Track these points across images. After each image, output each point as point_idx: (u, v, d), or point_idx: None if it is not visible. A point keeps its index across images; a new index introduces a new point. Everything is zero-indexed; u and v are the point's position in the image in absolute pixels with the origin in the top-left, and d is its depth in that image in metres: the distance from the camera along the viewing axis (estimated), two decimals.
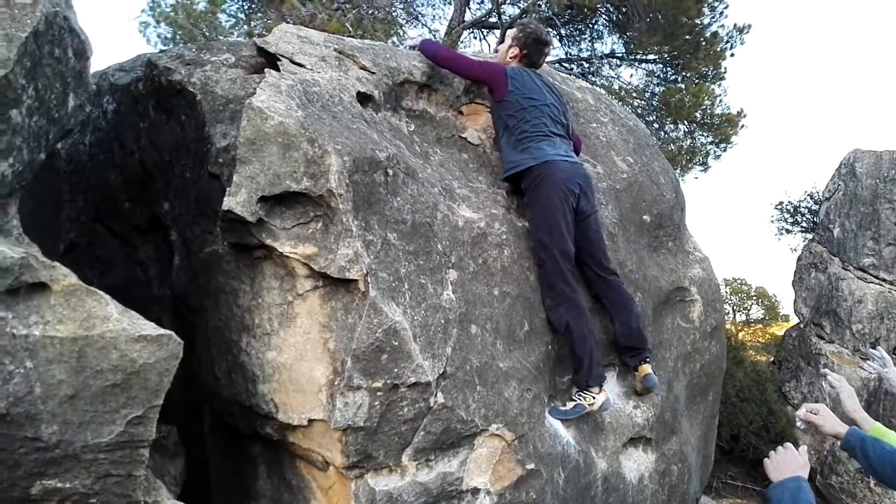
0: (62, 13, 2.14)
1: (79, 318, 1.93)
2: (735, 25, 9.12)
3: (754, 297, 15.32)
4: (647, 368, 3.49)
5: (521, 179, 3.34)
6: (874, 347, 3.26)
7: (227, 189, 2.42)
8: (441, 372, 2.64)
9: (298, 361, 2.52)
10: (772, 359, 10.26)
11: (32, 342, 1.85)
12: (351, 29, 5.71)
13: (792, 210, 11.55)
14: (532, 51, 3.60)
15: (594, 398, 3.19)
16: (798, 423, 2.39)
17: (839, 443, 2.27)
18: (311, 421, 2.51)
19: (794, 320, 9.72)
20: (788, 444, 2.09)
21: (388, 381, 2.48)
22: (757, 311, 15.54)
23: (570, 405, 3.21)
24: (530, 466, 2.93)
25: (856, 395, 2.50)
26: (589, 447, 3.38)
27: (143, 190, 3.52)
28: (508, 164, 3.37)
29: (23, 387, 1.84)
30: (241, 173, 2.39)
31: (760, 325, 15.53)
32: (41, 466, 1.93)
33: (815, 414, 2.32)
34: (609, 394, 3.32)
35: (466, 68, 3.44)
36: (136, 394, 2.02)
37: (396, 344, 2.49)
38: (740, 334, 13.87)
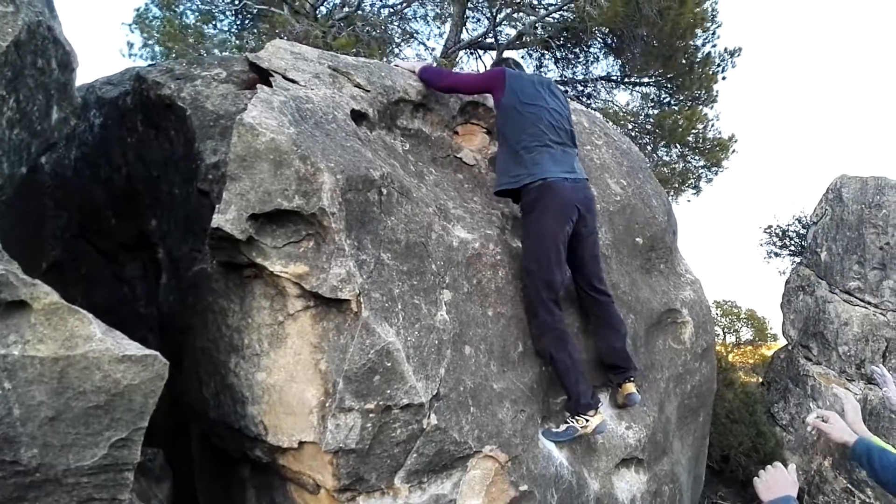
0: (46, 23, 2.10)
1: (60, 338, 1.87)
2: (726, 49, 9.28)
3: (744, 319, 15.42)
4: (630, 387, 3.46)
5: (519, 196, 3.22)
6: (876, 365, 3.28)
7: (217, 206, 2.37)
8: (434, 393, 2.59)
9: (289, 383, 2.46)
10: (761, 380, 10.29)
11: (11, 362, 1.79)
12: (347, 46, 5.72)
13: (780, 234, 11.68)
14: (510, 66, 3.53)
15: (587, 421, 3.12)
16: (808, 429, 2.41)
17: (847, 451, 2.29)
18: (301, 443, 2.44)
19: (783, 342, 9.76)
20: (778, 464, 2.11)
21: (381, 403, 2.43)
22: (747, 333, 15.63)
23: (562, 427, 3.16)
24: (524, 488, 2.88)
25: (859, 410, 2.53)
26: (582, 468, 3.33)
27: (129, 206, 3.46)
28: (504, 177, 3.21)
29: (1, 408, 1.77)
30: (231, 190, 2.35)
31: (750, 347, 15.62)
32: (21, 491, 1.86)
33: (825, 421, 2.33)
34: (604, 415, 3.26)
35: (470, 84, 3.43)
36: (121, 416, 1.96)
37: (389, 365, 2.44)
38: (730, 356, 13.93)
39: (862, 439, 2.24)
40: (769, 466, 2.09)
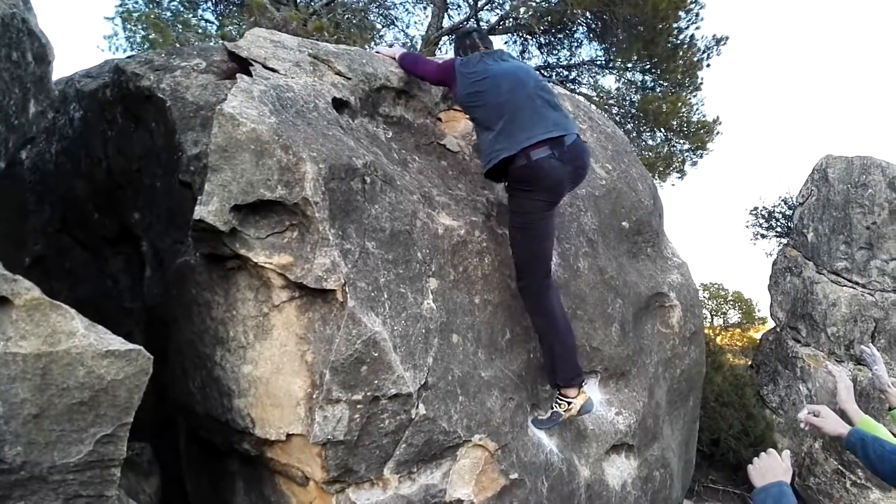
0: (20, 15, 2.06)
1: (43, 334, 1.85)
2: (713, 36, 9.26)
3: (731, 302, 15.52)
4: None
5: (505, 173, 3.04)
6: (866, 345, 3.30)
7: (199, 198, 2.34)
8: (422, 383, 2.58)
9: (275, 375, 2.45)
10: (749, 362, 10.36)
11: None
12: (327, 34, 5.66)
13: (766, 215, 11.71)
14: (460, 46, 3.40)
15: (570, 403, 3.08)
16: (801, 425, 2.43)
17: (841, 442, 2.31)
18: (289, 436, 2.43)
19: (771, 324, 9.82)
20: (771, 451, 2.12)
21: (369, 394, 2.42)
22: (734, 315, 15.73)
23: (548, 414, 3.16)
24: (514, 476, 2.89)
25: (852, 389, 2.56)
26: (572, 455, 3.34)
27: (111, 199, 3.42)
28: (485, 157, 3.05)
29: None
30: (213, 181, 2.32)
31: (738, 329, 15.73)
32: (6, 489, 1.84)
33: (817, 416, 2.36)
34: (590, 397, 3.24)
35: (430, 77, 3.33)
36: (105, 411, 1.94)
37: (376, 355, 2.43)
38: (718, 338, 14.02)
39: (856, 430, 2.27)
40: (763, 453, 2.11)
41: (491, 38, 3.57)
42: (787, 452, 2.11)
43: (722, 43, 9.29)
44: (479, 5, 9.42)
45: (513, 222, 3.06)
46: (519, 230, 3.03)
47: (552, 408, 3.15)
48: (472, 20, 9.45)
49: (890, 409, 2.76)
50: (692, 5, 8.71)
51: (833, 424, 2.34)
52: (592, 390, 3.60)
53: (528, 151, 2.88)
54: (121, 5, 9.15)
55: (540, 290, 3.04)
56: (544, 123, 2.94)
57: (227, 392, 2.54)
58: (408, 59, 3.43)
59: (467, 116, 3.54)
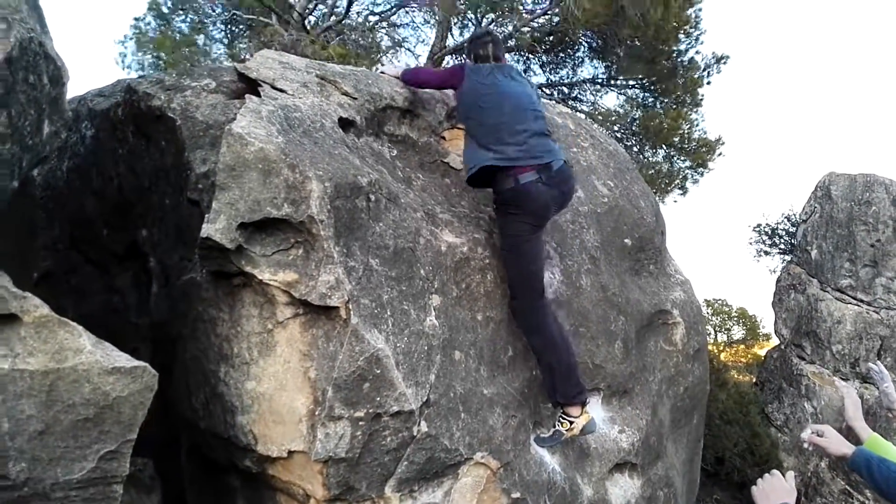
0: (37, 39, 2.12)
1: (50, 351, 1.88)
2: (714, 55, 9.35)
3: (735, 318, 15.46)
4: None
5: (490, 182, 3.10)
6: (874, 363, 3.29)
7: (206, 216, 2.38)
8: (424, 400, 2.60)
9: (278, 391, 2.46)
10: (754, 379, 10.31)
11: (1, 376, 1.79)
12: (333, 55, 5.73)
13: (770, 232, 11.71)
14: (473, 49, 3.42)
15: (573, 422, 3.06)
16: (804, 445, 2.40)
17: (846, 462, 2.29)
18: (291, 452, 2.45)
19: (775, 340, 9.79)
20: (775, 472, 2.10)
21: (371, 411, 2.43)
22: (738, 332, 15.67)
23: (549, 432, 3.16)
24: (516, 495, 2.89)
25: (860, 405, 2.53)
26: (575, 474, 3.34)
27: (121, 217, 3.46)
28: (469, 163, 3.09)
29: None
30: (221, 199, 2.36)
31: (742, 346, 15.65)
32: None
33: (821, 436, 2.34)
34: (594, 416, 3.23)
35: (436, 80, 3.46)
36: (110, 428, 1.96)
37: (379, 372, 2.45)
38: (722, 355, 13.95)
39: (860, 450, 2.24)
40: (766, 474, 2.10)
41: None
42: (791, 473, 2.10)
43: (722, 62, 9.39)
44: (482, 24, 9.52)
45: (502, 244, 3.16)
46: (508, 251, 3.11)
47: (554, 426, 3.15)
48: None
49: None
50: (693, 29, 8.81)
51: (837, 444, 2.31)
52: (595, 408, 3.60)
53: (516, 174, 2.96)
54: (135, 26, 9.32)
55: (533, 310, 3.07)
56: (535, 149, 3.03)
57: (231, 408, 2.56)
58: (408, 73, 3.54)
59: (461, 128, 3.57)
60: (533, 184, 2.96)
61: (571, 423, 3.07)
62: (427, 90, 3.60)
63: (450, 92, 3.61)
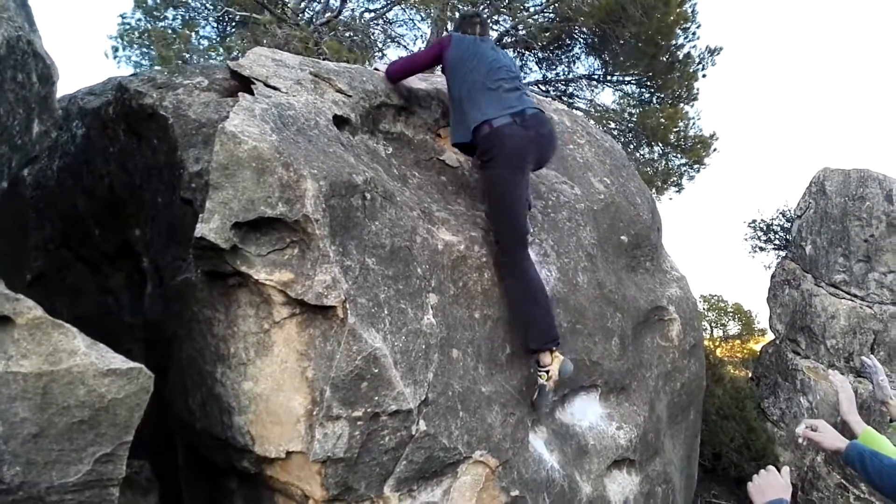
0: (25, 37, 2.08)
1: (44, 353, 1.85)
2: (707, 47, 9.36)
3: (731, 313, 15.51)
4: None
5: (476, 145, 3.20)
6: (867, 356, 3.30)
7: (200, 215, 2.35)
8: (423, 399, 2.58)
9: (276, 392, 2.44)
10: (750, 375, 10.34)
11: None
12: (327, 51, 5.70)
13: (765, 228, 11.76)
14: (463, 26, 3.62)
15: (548, 371, 3.05)
16: (799, 440, 2.41)
17: (840, 456, 2.30)
18: (289, 453, 2.43)
19: (770, 335, 9.82)
20: (771, 468, 2.11)
21: (369, 410, 2.42)
22: (734, 327, 15.72)
23: (535, 394, 3.14)
24: (515, 493, 2.88)
25: (854, 399, 2.55)
26: (573, 471, 3.33)
27: (113, 216, 3.43)
28: (455, 129, 3.26)
29: None
30: (215, 199, 2.33)
31: (738, 341, 15.71)
32: None
33: (815, 430, 2.35)
34: (569, 363, 3.12)
35: (421, 59, 3.47)
36: (105, 430, 1.94)
37: (377, 371, 2.43)
38: (718, 350, 14.00)
39: (854, 444, 2.25)
40: (762, 470, 2.10)
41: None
42: (786, 468, 2.10)
43: (716, 53, 9.40)
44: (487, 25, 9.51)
45: (485, 198, 3.30)
46: (491, 204, 3.23)
47: (537, 384, 3.13)
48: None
49: (891, 421, 2.75)
50: (690, 24, 8.82)
51: (831, 439, 2.32)
52: (593, 404, 3.60)
53: (491, 122, 3.09)
54: (123, 24, 9.24)
55: (515, 260, 3.11)
56: (508, 101, 3.17)
57: (228, 409, 2.54)
58: (392, 68, 3.52)
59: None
60: (507, 126, 3.08)
61: (547, 372, 3.06)
62: (422, 87, 3.58)
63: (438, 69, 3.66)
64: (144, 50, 8.92)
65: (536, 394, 3.14)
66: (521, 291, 3.09)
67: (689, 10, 8.80)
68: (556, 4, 8.37)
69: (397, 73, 3.48)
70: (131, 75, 3.44)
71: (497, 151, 3.07)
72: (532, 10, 8.99)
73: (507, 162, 3.08)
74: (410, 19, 10.20)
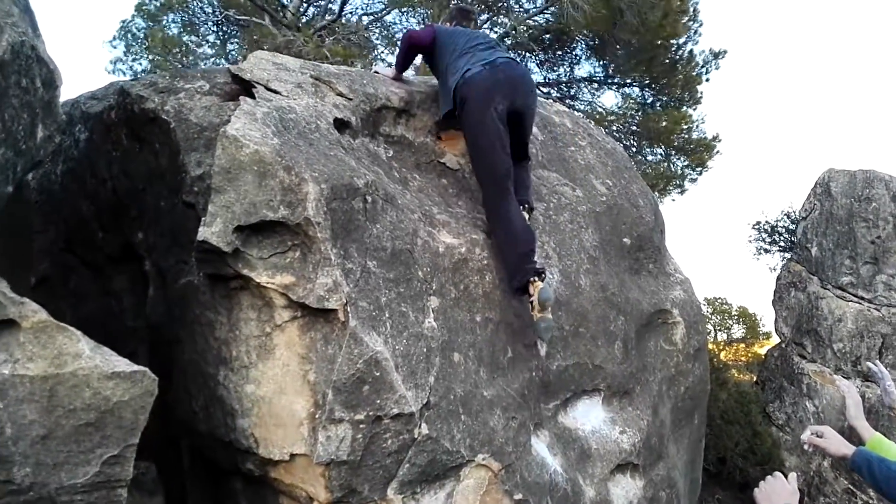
0: (29, 42, 2.10)
1: (49, 356, 1.88)
2: (710, 50, 9.37)
3: (735, 316, 15.44)
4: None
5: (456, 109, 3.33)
6: (873, 363, 3.29)
7: (203, 219, 2.36)
8: (424, 402, 2.58)
9: (278, 395, 2.45)
10: (755, 378, 10.29)
11: (1, 381, 1.80)
12: (328, 54, 5.72)
13: (769, 230, 11.70)
14: (457, 18, 3.86)
15: (531, 301, 3.04)
16: (805, 446, 2.39)
17: (847, 462, 2.28)
18: (292, 456, 2.43)
19: (776, 338, 9.77)
20: (778, 474, 2.09)
21: (371, 413, 2.42)
22: (738, 330, 15.65)
23: (534, 327, 3.11)
24: (518, 497, 2.87)
25: (861, 404, 2.52)
26: (577, 475, 3.32)
27: (116, 219, 3.45)
28: (441, 101, 3.44)
29: None
30: (217, 203, 2.35)
31: (742, 344, 15.64)
32: None
33: (821, 437, 2.32)
34: (548, 290, 3.05)
35: (414, 44, 3.58)
36: (112, 432, 1.96)
37: (378, 374, 2.43)
38: (722, 354, 13.94)
39: (860, 450, 2.23)
40: (769, 476, 2.08)
41: None
42: (793, 475, 2.08)
43: (720, 56, 9.41)
44: (478, 23, 9.52)
45: (468, 149, 3.42)
46: (472, 154, 3.38)
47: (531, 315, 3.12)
48: None
49: None
50: (691, 23, 8.81)
51: (837, 445, 2.29)
52: (596, 408, 3.59)
53: (464, 74, 3.24)
54: (122, 28, 9.30)
55: (492, 204, 3.21)
56: (483, 57, 3.32)
57: (231, 412, 2.55)
58: (396, 61, 3.69)
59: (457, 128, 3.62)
60: (477, 73, 3.22)
61: (531, 302, 3.06)
62: (422, 90, 3.58)
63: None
64: (145, 54, 8.97)
65: (534, 326, 3.11)
66: (504, 238, 3.15)
67: (690, 12, 8.79)
68: (554, 7, 8.38)
69: (402, 65, 3.66)
70: (133, 80, 3.47)
71: (467, 97, 3.19)
72: (531, 11, 8.99)
73: (475, 105, 3.18)
74: (409, 22, 10.25)
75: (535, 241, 3.27)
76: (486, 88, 3.19)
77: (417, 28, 3.95)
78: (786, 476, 2.07)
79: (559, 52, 9.71)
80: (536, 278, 3.04)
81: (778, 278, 9.57)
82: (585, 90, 10.27)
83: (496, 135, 3.18)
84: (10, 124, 2.03)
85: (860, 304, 8.28)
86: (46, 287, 3.57)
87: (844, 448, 2.27)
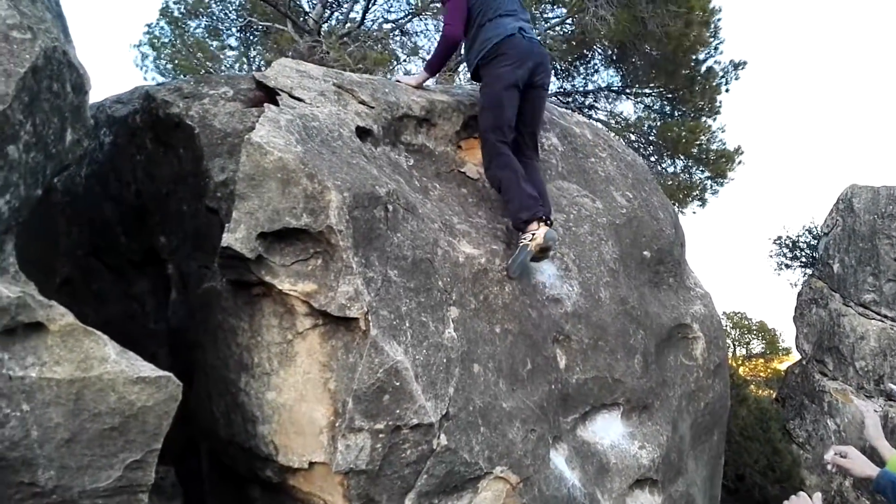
0: (61, 48, 2.12)
1: (76, 360, 1.89)
2: (731, 62, 9.30)
3: (755, 332, 15.27)
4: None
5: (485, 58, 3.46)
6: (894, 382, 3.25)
7: (226, 225, 2.38)
8: (444, 413, 2.57)
9: (298, 402, 2.45)
10: (774, 395, 10.15)
11: (29, 384, 1.80)
12: (351, 62, 5.76)
13: (791, 245, 11.56)
14: None
15: (534, 234, 3.07)
16: (828, 467, 2.35)
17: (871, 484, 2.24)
18: (312, 464, 2.43)
19: (795, 355, 9.65)
20: (802, 493, 2.06)
21: (391, 423, 2.41)
22: (758, 346, 15.47)
23: (516, 250, 3.14)
24: None
25: (880, 424, 2.49)
26: (595, 489, 3.28)
27: (139, 223, 3.48)
28: (476, 49, 3.50)
29: (19, 430, 1.78)
30: (240, 209, 2.36)
31: (761, 360, 15.45)
32: None
33: (844, 457, 2.29)
34: (553, 232, 3.12)
35: (456, 21, 3.57)
36: (135, 437, 1.97)
37: (398, 384, 2.42)
38: (741, 369, 13.78)
39: (885, 472, 2.19)
40: (793, 496, 2.06)
41: None
42: (818, 494, 2.04)
43: (741, 67, 9.34)
44: None
45: (480, 101, 3.50)
46: (484, 102, 3.43)
47: (518, 244, 3.14)
48: None
49: None
50: (712, 38, 8.77)
51: (861, 466, 2.26)
52: (615, 423, 3.55)
53: (500, 33, 3.41)
54: (148, 32, 9.43)
55: (498, 152, 3.30)
56: (514, 23, 3.48)
57: (251, 418, 2.55)
58: (430, 63, 3.73)
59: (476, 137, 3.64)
60: (518, 38, 3.43)
61: (532, 234, 3.07)
62: (443, 99, 3.58)
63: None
64: (170, 59, 9.10)
65: (516, 252, 3.12)
66: (505, 181, 3.25)
67: (712, 27, 8.75)
68: (575, 18, 8.38)
69: (443, 55, 3.67)
70: (158, 84, 3.50)
71: (506, 52, 3.37)
72: (552, 21, 9.00)
73: (510, 60, 3.37)
74: (429, 30, 10.30)
75: (544, 186, 3.46)
76: (524, 52, 3.41)
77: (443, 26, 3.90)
78: (810, 496, 2.04)
79: (577, 62, 9.69)
80: (546, 222, 3.12)
81: (799, 294, 9.46)
82: (603, 100, 10.25)
83: (514, 91, 3.37)
84: (40, 128, 2.05)
85: (883, 322, 8.15)
86: (69, 289, 3.60)
87: (868, 469, 2.24)
